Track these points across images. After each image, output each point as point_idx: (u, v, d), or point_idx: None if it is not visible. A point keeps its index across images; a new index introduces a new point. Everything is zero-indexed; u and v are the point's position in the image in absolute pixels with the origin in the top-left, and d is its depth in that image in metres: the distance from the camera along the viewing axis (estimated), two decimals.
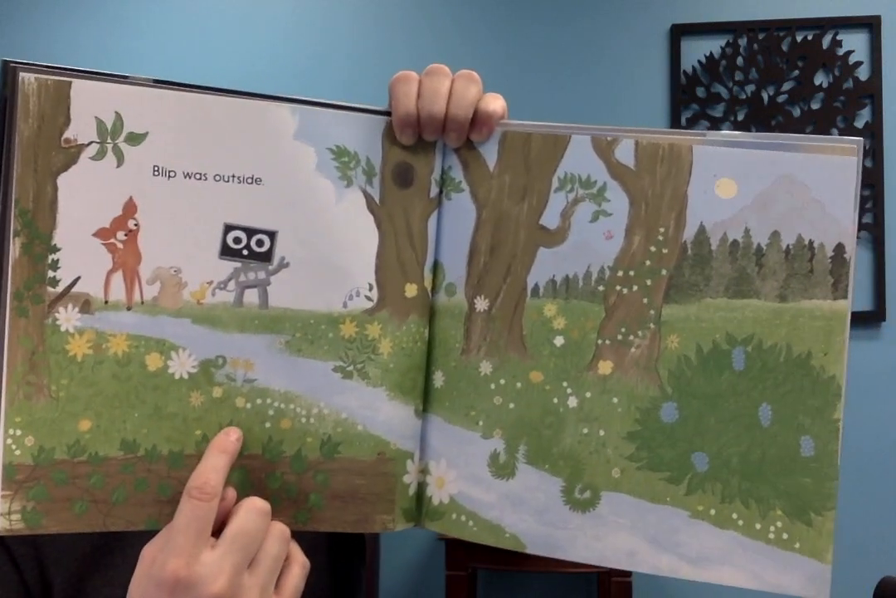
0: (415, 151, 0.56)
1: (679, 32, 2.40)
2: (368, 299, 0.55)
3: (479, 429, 0.56)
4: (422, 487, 0.57)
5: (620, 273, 0.54)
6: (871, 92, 2.34)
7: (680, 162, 0.53)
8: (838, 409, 0.52)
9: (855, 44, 2.35)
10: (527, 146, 0.57)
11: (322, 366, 0.55)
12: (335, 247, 0.55)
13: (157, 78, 0.53)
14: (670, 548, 0.53)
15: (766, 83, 2.37)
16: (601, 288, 0.55)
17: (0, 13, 2.58)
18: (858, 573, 2.27)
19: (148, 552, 0.49)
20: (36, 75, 0.49)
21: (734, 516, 0.52)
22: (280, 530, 0.52)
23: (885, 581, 0.96)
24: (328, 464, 0.55)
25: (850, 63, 2.34)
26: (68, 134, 0.50)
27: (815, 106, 2.35)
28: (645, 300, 0.54)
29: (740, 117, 2.38)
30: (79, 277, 0.51)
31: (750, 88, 2.37)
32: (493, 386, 0.56)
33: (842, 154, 0.51)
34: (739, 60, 2.38)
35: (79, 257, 0.51)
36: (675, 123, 2.39)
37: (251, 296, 0.54)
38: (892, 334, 2.34)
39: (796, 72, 2.36)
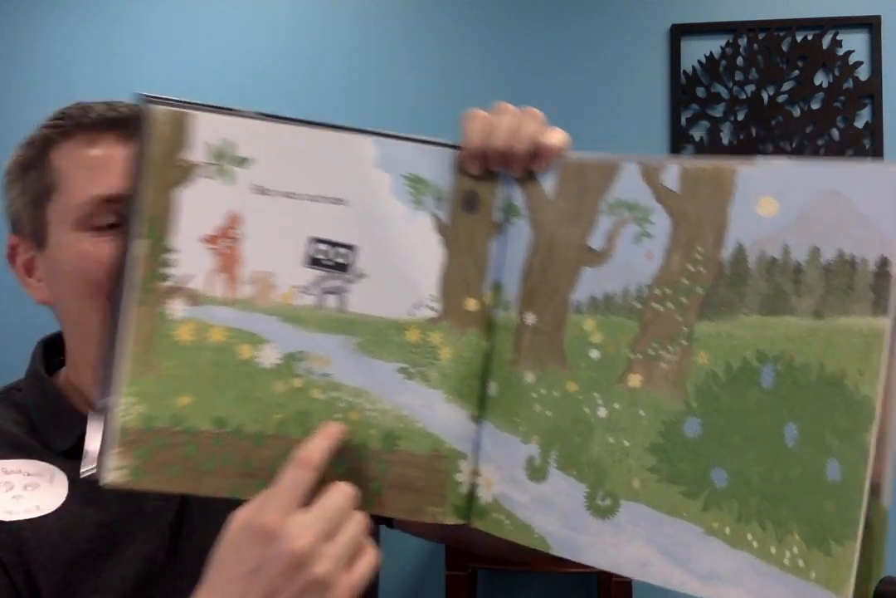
0: (481, 181, 0.62)
1: (679, 32, 2.40)
2: (432, 309, 0.62)
3: (520, 434, 0.60)
4: (473, 487, 0.62)
5: (657, 291, 0.56)
6: (871, 92, 2.34)
7: (722, 183, 0.54)
8: (871, 432, 0.47)
9: (855, 44, 2.35)
10: (581, 175, 0.60)
11: (388, 367, 0.61)
12: (405, 262, 0.62)
13: (262, 112, 0.62)
14: (682, 562, 0.53)
15: (766, 83, 2.37)
16: (638, 305, 0.57)
17: (0, 13, 2.58)
18: None
19: (241, 512, 0.55)
20: (162, 107, 0.59)
21: (749, 536, 0.51)
22: (362, 517, 0.57)
23: (886, 581, 0.96)
24: (388, 455, 0.61)
25: (850, 63, 2.34)
26: (186, 156, 0.59)
27: (815, 106, 2.35)
28: (679, 317, 0.55)
29: (740, 117, 2.38)
30: (188, 274, 0.60)
31: (750, 88, 2.37)
32: (534, 395, 0.60)
33: (887, 165, 0.50)
34: (739, 60, 2.38)
35: (189, 258, 0.60)
36: (675, 122, 2.39)
37: (331, 301, 0.61)
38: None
39: (796, 72, 2.36)
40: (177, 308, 0.60)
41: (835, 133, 2.34)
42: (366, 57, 2.50)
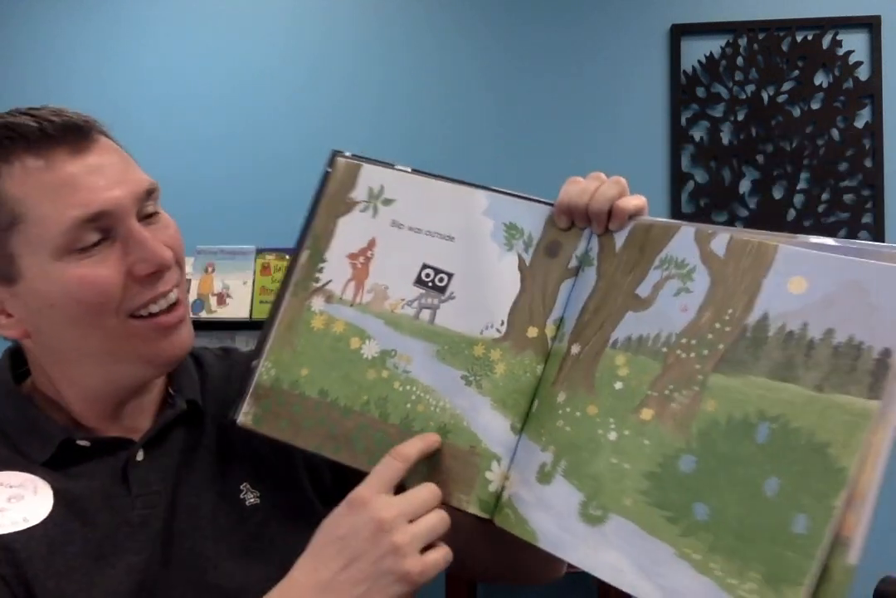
0: (566, 233, 0.73)
1: (679, 32, 2.40)
2: (498, 330, 0.73)
3: (541, 443, 0.68)
4: (502, 489, 0.70)
5: (684, 340, 0.63)
6: (871, 92, 2.34)
7: (763, 257, 0.61)
8: (840, 497, 0.54)
9: (855, 44, 2.36)
10: (647, 233, 0.69)
11: (454, 373, 0.73)
12: (487, 291, 0.74)
13: (409, 167, 0.78)
14: (652, 576, 0.59)
15: (766, 83, 2.37)
16: (664, 349, 0.64)
17: (0, 13, 2.58)
18: (858, 573, 2.27)
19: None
20: (344, 160, 0.79)
21: (714, 566, 0.57)
22: (444, 514, 0.66)
23: (885, 581, 0.96)
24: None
25: (850, 63, 2.35)
26: (351, 195, 0.78)
27: (815, 106, 2.35)
28: (697, 366, 0.62)
29: (740, 117, 2.38)
30: (330, 280, 0.77)
31: (750, 88, 2.37)
32: (560, 412, 0.68)
33: None
34: (739, 60, 2.38)
35: (334, 268, 0.77)
36: (675, 122, 2.39)
37: (425, 314, 0.75)
38: None
39: (796, 72, 2.37)
40: (317, 303, 0.77)
41: (835, 133, 2.35)
42: (366, 57, 2.50)
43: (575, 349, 0.69)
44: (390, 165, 0.78)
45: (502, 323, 0.73)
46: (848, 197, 2.33)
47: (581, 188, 0.72)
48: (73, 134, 0.69)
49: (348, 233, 0.78)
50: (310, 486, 0.83)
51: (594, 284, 0.71)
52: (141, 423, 0.77)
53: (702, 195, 2.38)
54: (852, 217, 2.33)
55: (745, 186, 2.37)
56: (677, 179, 2.39)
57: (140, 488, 0.73)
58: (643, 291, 0.67)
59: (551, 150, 2.43)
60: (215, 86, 2.52)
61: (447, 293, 0.75)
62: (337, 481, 0.81)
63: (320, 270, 0.77)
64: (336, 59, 2.51)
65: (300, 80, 2.51)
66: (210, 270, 2.35)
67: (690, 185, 2.39)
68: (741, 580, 0.56)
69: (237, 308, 2.30)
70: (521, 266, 0.74)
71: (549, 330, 0.72)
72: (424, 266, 0.76)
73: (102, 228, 0.69)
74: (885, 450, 0.54)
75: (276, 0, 2.54)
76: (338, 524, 0.64)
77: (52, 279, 0.68)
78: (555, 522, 0.65)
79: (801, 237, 0.60)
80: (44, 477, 0.70)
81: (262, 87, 2.51)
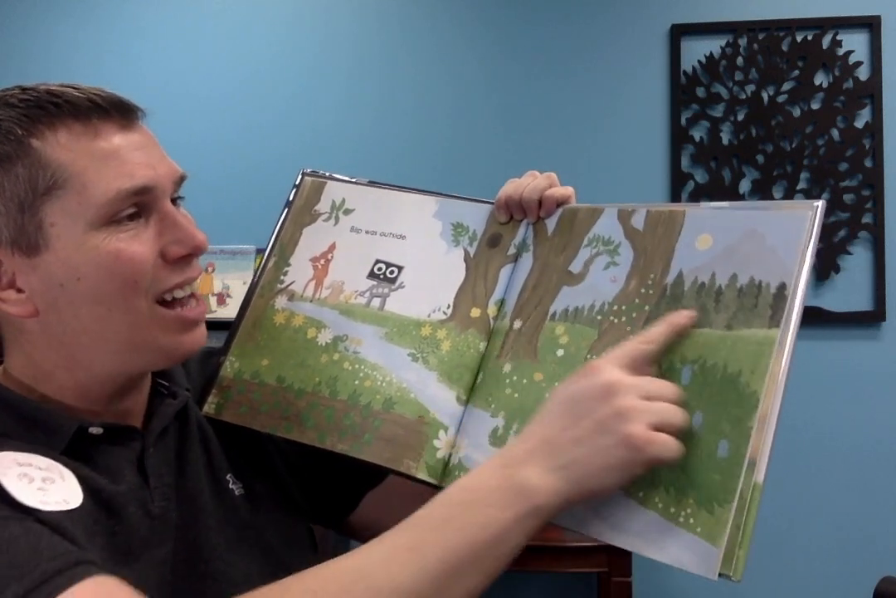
0: (506, 226, 0.82)
1: (679, 32, 2.40)
2: (444, 313, 0.80)
3: (490, 410, 0.74)
4: (449, 457, 0.75)
5: (616, 307, 0.71)
6: (871, 92, 2.34)
7: (674, 223, 0.70)
8: (754, 419, 0.59)
9: (855, 44, 2.35)
10: (574, 217, 0.78)
11: (402, 351, 0.79)
12: (435, 281, 0.82)
13: (370, 180, 0.89)
14: (605, 517, 0.64)
15: (766, 83, 2.37)
16: (599, 317, 0.71)
17: (0, 13, 2.58)
18: (858, 573, 2.27)
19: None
20: (311, 178, 0.90)
21: (657, 499, 0.62)
22: (680, 411, 0.61)
23: (885, 581, 0.96)
24: (384, 415, 0.77)
25: (850, 63, 2.34)
26: (316, 207, 0.88)
27: (815, 106, 2.35)
28: (628, 328, 0.69)
29: (740, 117, 2.38)
30: (293, 281, 0.86)
31: (750, 88, 2.37)
32: (508, 381, 0.74)
33: (798, 210, 0.63)
34: (739, 60, 2.38)
35: (296, 271, 0.86)
36: (675, 122, 2.39)
37: (375, 302, 0.82)
38: (892, 334, 2.34)
39: (796, 72, 2.36)
40: (280, 301, 0.85)
41: (835, 133, 2.34)
42: (366, 58, 2.50)
43: (517, 324, 0.76)
44: (351, 180, 0.89)
45: (448, 306, 0.80)
46: (848, 197, 2.33)
47: (516, 184, 0.80)
48: (122, 110, 0.69)
49: (312, 240, 0.87)
50: (286, 472, 0.85)
51: (531, 267, 0.79)
52: (135, 412, 0.76)
53: (702, 195, 2.38)
54: (852, 217, 2.33)
55: (745, 186, 2.37)
56: (677, 179, 2.38)
57: (156, 479, 0.72)
58: (575, 267, 0.75)
59: (551, 149, 2.43)
60: (215, 86, 2.52)
61: (397, 283, 0.83)
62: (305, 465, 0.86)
63: (285, 273, 0.86)
64: (336, 59, 2.50)
65: (300, 81, 2.50)
66: (210, 269, 2.36)
67: (690, 185, 2.39)
68: (679, 507, 0.61)
69: (237, 308, 2.30)
70: (466, 258, 0.82)
71: (491, 311, 0.79)
72: (377, 261, 0.84)
73: (141, 203, 0.68)
74: (784, 374, 0.60)
75: (276, 0, 2.54)
76: (569, 389, 0.63)
77: (86, 250, 0.66)
78: None
79: (704, 204, 0.70)
80: (66, 465, 0.66)
81: (262, 88, 2.51)
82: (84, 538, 0.62)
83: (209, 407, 0.82)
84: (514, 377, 0.74)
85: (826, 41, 2.36)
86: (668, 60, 2.41)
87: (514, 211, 0.81)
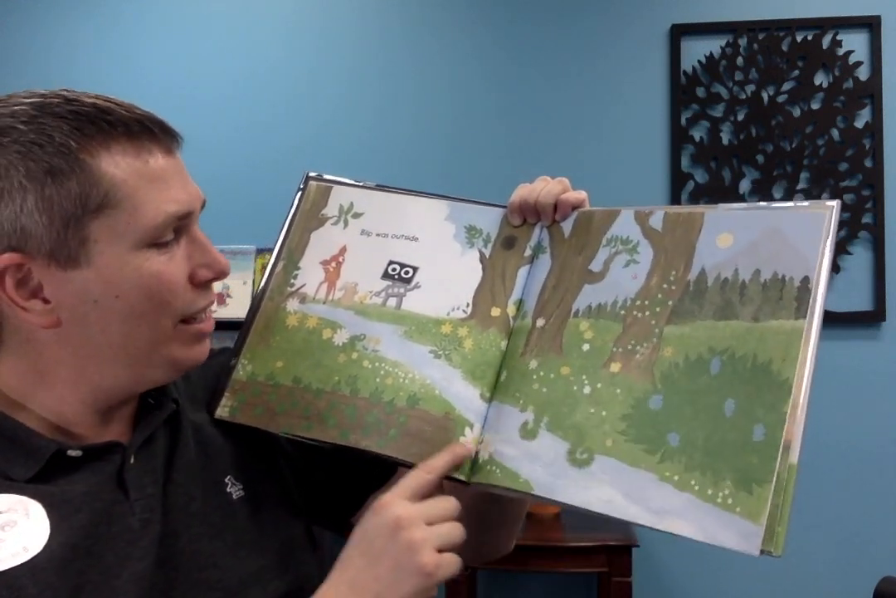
0: (520, 229, 0.84)
1: (679, 32, 2.40)
2: (464, 311, 0.81)
3: (519, 405, 0.76)
4: (478, 454, 0.76)
5: (638, 302, 0.74)
6: (871, 92, 2.34)
7: (693, 223, 0.74)
8: (787, 404, 0.63)
9: (855, 44, 2.35)
10: (591, 219, 0.81)
11: (422, 348, 0.80)
12: (451, 280, 0.83)
13: (378, 183, 0.88)
14: (638, 501, 0.66)
15: (766, 83, 2.37)
16: (622, 312, 0.74)
17: (0, 13, 2.58)
18: (858, 573, 2.27)
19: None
20: (316, 182, 0.90)
21: (692, 482, 0.65)
22: (460, 527, 0.69)
23: (886, 581, 0.96)
24: (409, 411, 0.77)
25: (850, 63, 2.34)
26: (324, 211, 0.89)
27: (815, 106, 2.35)
28: (653, 322, 0.72)
29: (740, 117, 2.38)
30: (304, 284, 0.86)
31: (750, 88, 2.37)
32: (535, 376, 0.76)
33: (817, 210, 0.68)
34: (739, 60, 2.38)
35: (307, 274, 0.86)
36: (675, 122, 2.39)
37: (392, 301, 0.83)
38: (892, 334, 2.34)
39: (796, 72, 2.36)
40: (292, 304, 0.85)
41: (835, 133, 2.35)
42: (366, 58, 2.50)
43: (540, 323, 0.79)
44: (358, 184, 0.89)
45: (468, 305, 0.82)
46: (848, 197, 2.33)
47: (529, 189, 0.83)
48: (167, 134, 0.71)
49: (321, 243, 0.87)
50: (290, 474, 0.85)
51: (549, 267, 0.81)
52: (122, 426, 0.75)
53: (702, 195, 2.38)
54: (852, 217, 2.33)
55: (745, 186, 2.37)
56: (677, 179, 2.39)
57: (137, 492, 0.70)
58: (595, 266, 0.78)
59: (551, 149, 2.43)
60: (215, 86, 2.52)
61: (413, 283, 0.83)
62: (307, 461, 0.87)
63: (295, 277, 0.86)
64: (336, 59, 2.50)
65: (300, 81, 2.50)
66: None
67: (690, 185, 2.39)
68: (716, 489, 0.64)
69: (237, 308, 2.30)
70: (482, 259, 0.84)
71: (511, 310, 0.81)
72: (391, 262, 0.85)
73: (179, 227, 0.70)
74: (812, 362, 0.65)
75: (276, 0, 2.54)
76: (364, 528, 0.68)
77: (129, 270, 0.67)
78: (545, 470, 0.72)
79: (721, 205, 0.74)
80: (32, 495, 0.65)
81: (262, 87, 2.51)
82: (55, 577, 0.62)
83: (222, 410, 0.81)
84: (542, 373, 0.76)
85: (826, 41, 2.36)
86: (668, 60, 2.41)
87: (528, 214, 0.83)
